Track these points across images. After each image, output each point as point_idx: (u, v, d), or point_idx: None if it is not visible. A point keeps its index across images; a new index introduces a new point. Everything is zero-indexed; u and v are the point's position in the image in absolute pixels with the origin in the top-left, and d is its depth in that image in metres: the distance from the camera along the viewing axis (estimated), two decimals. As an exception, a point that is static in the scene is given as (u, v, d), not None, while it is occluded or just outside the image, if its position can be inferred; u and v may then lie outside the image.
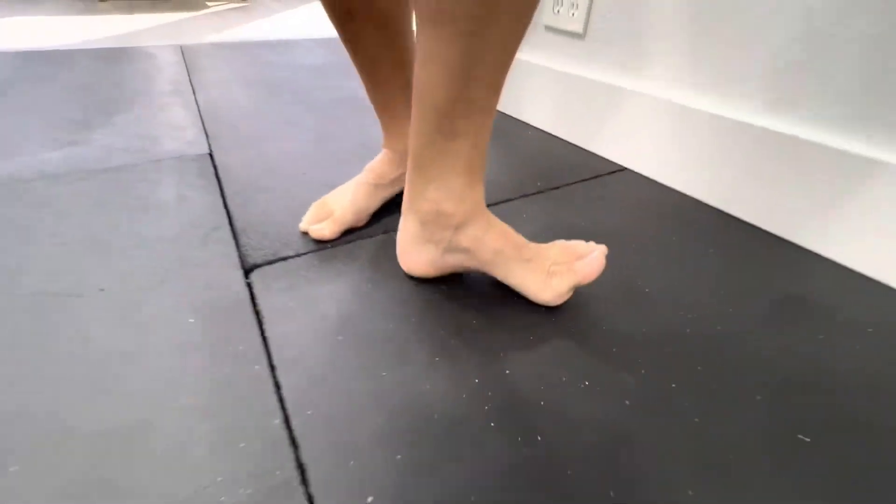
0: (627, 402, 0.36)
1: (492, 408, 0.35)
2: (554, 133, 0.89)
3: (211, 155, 0.76)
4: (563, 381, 0.37)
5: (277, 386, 0.36)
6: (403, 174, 0.55)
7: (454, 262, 0.44)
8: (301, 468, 0.31)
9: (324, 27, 2.02)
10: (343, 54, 1.53)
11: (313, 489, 0.29)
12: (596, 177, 0.73)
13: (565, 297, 0.43)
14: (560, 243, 0.46)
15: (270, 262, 0.51)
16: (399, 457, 0.31)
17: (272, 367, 0.38)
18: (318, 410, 0.34)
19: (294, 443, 0.32)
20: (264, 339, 0.41)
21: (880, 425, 0.34)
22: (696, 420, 0.35)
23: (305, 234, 0.55)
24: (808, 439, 0.33)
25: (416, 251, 0.45)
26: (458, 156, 0.40)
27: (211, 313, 0.43)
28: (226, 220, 0.58)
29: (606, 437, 0.33)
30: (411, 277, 0.48)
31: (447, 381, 0.37)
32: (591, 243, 0.45)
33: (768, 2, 0.56)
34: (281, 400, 0.35)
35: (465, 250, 0.43)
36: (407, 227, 0.45)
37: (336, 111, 0.98)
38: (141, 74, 1.16)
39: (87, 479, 0.29)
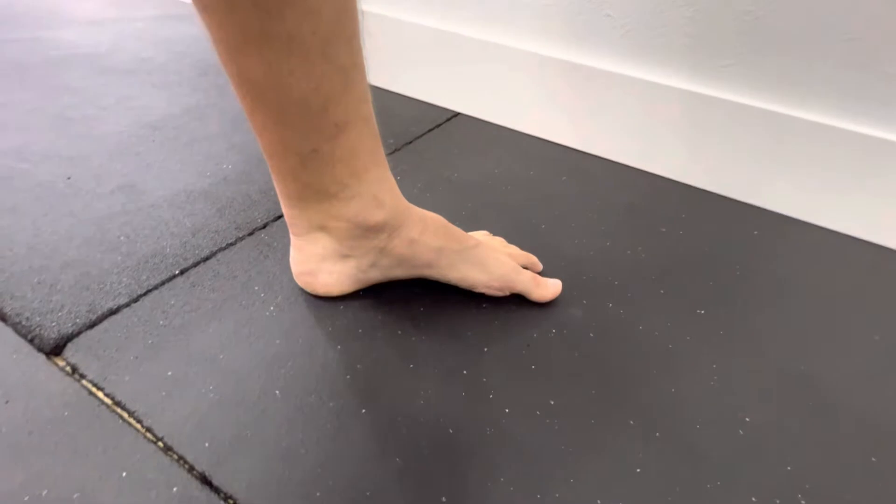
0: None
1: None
2: (382, 87, 0.82)
3: None
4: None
5: (229, 498, 0.24)
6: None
7: (379, 274, 0.36)
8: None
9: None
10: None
11: None
12: (437, 126, 0.72)
13: (509, 293, 0.39)
14: (491, 237, 0.42)
15: (93, 325, 0.32)
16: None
17: (198, 476, 0.25)
18: None
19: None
20: (159, 441, 0.26)
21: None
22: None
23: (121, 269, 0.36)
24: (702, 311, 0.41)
25: (329, 270, 0.35)
26: (355, 150, 0.30)
27: (28, 445, 0.25)
28: (-54, 281, 0.34)
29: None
30: (317, 296, 0.37)
31: (460, 396, 0.31)
32: (531, 256, 0.42)
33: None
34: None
35: (399, 257, 0.35)
36: (311, 245, 0.34)
37: (64, 77, 0.67)
38: None
39: None
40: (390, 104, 0.76)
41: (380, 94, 0.79)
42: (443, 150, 0.64)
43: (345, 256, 0.35)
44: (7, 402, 0.27)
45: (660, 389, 0.34)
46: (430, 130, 0.69)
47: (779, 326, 0.41)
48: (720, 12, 0.55)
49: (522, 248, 0.44)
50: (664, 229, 0.53)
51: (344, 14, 0.26)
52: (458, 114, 0.76)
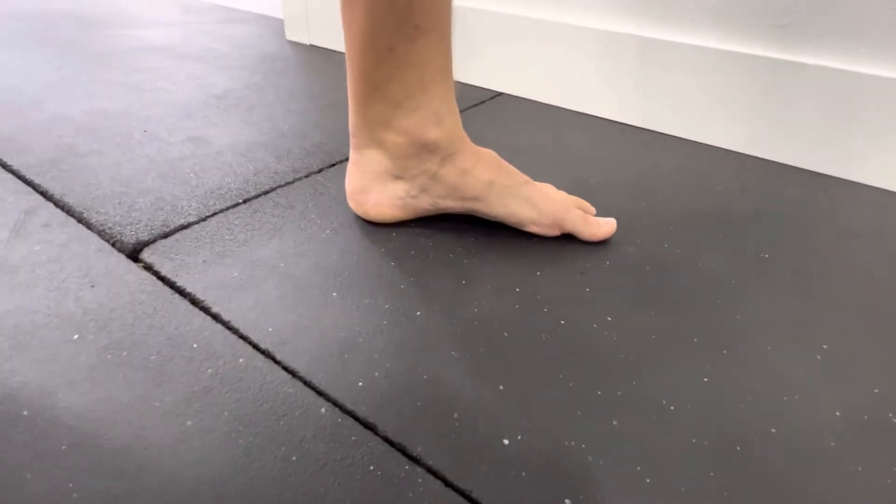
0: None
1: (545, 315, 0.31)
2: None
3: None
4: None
5: (290, 371, 0.25)
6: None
7: (429, 203, 0.36)
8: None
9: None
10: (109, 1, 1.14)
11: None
12: (480, 103, 0.73)
13: (559, 232, 0.38)
14: (548, 185, 0.41)
15: (166, 235, 0.34)
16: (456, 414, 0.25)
17: (262, 352, 0.26)
18: (367, 381, 0.25)
19: (368, 427, 0.22)
20: (226, 325, 0.27)
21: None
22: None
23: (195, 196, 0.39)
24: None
25: (380, 190, 0.36)
26: (427, 60, 0.32)
27: (112, 321, 0.27)
28: (40, 199, 0.37)
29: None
30: (370, 223, 0.38)
31: (499, 303, 0.31)
32: (583, 201, 0.41)
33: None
34: (310, 385, 0.24)
35: (450, 186, 0.35)
36: (367, 161, 0.35)
37: (142, 61, 0.73)
38: None
39: None
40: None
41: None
42: (489, 123, 0.65)
43: (397, 177, 0.35)
44: (93, 286, 0.29)
45: (725, 316, 0.32)
46: (474, 106, 0.71)
47: (855, 270, 0.38)
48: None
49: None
50: (720, 189, 0.51)
51: None
52: (500, 93, 0.78)
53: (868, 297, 0.35)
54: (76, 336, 0.25)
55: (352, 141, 0.36)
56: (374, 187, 0.36)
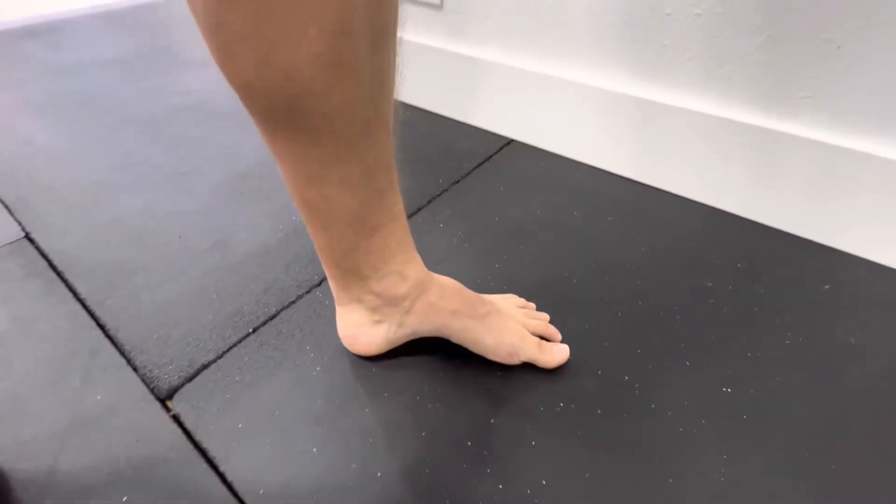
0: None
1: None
2: (431, 109, 0.85)
3: (30, 238, 0.59)
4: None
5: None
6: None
7: (406, 332, 0.42)
8: None
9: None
10: (148, 33, 1.22)
11: None
12: (488, 158, 0.73)
13: (518, 361, 0.42)
14: (513, 299, 0.46)
15: (191, 378, 0.43)
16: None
17: (255, 519, 0.34)
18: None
19: None
20: (229, 486, 0.35)
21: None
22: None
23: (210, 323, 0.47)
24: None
25: (367, 334, 0.42)
26: (386, 243, 0.37)
27: (150, 481, 0.36)
28: (101, 335, 0.47)
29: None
30: (360, 356, 0.44)
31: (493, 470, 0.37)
32: (545, 315, 0.46)
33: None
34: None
35: (421, 317, 0.41)
36: (350, 315, 0.42)
37: (181, 126, 0.81)
38: None
39: None
40: (449, 133, 0.79)
41: (442, 122, 0.82)
42: (489, 189, 0.66)
43: (377, 322, 0.41)
44: (137, 441, 0.38)
45: (658, 482, 0.35)
46: (480, 164, 0.72)
47: (818, 414, 0.38)
48: (796, 40, 0.48)
49: (548, 304, 0.47)
50: (710, 284, 0.51)
51: (384, 151, 0.32)
52: (511, 141, 0.77)
53: (818, 455, 0.36)
54: (125, 498, 0.35)
55: (335, 301, 0.42)
56: (361, 332, 0.42)
